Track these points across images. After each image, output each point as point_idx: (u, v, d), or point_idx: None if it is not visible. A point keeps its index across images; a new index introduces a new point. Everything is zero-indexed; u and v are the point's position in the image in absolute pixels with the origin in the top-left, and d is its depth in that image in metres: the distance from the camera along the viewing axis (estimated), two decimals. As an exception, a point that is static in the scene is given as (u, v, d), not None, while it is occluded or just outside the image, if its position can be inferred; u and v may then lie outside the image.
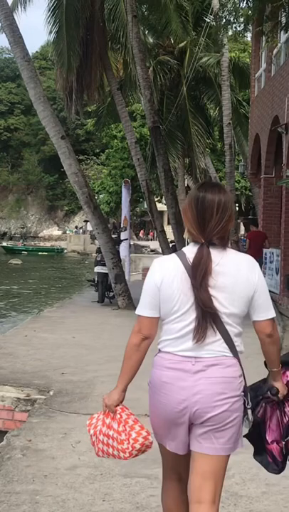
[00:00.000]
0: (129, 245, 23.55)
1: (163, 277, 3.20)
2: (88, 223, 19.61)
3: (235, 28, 14.11)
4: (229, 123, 23.83)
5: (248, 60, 30.79)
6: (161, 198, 35.87)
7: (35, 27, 38.40)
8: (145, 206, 41.71)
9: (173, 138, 25.98)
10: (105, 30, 21.37)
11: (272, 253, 18.27)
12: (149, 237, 69.13)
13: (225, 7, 14.07)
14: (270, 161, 19.76)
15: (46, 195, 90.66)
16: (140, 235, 73.86)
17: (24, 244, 74.37)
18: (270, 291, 12.24)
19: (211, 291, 3.12)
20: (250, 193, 38.14)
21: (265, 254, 18.77)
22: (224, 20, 14.01)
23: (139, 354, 3.27)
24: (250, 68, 24.61)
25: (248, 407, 3.27)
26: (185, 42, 25.47)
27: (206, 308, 3.11)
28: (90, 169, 66.13)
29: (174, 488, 3.41)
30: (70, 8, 19.88)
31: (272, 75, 19.31)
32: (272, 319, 3.30)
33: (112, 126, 42.94)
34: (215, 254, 3.18)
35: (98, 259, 16.26)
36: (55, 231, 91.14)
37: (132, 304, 15.09)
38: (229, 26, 14.83)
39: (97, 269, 16.14)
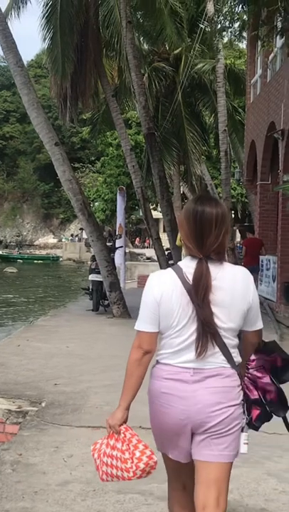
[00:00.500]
0: (125, 253, 23.39)
1: (162, 292, 3.20)
2: (84, 231, 19.47)
3: (231, 32, 13.96)
4: (225, 130, 23.72)
5: (243, 67, 30.72)
6: (157, 205, 35.75)
7: (30, 35, 38.43)
8: (140, 214, 41.58)
9: (168, 145, 25.84)
10: (100, 37, 21.27)
11: (269, 260, 18.13)
12: (146, 244, 68.96)
13: (220, 12, 13.96)
14: (266, 168, 19.64)
15: (42, 204, 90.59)
16: (136, 242, 73.72)
17: (20, 253, 74.33)
18: (267, 299, 12.09)
19: (211, 306, 3.15)
20: (246, 200, 38.04)
21: (262, 261, 18.62)
22: (219, 26, 13.88)
23: (141, 369, 3.25)
24: (245, 75, 24.51)
25: (245, 417, 3.31)
26: (180, 48, 25.36)
27: (208, 324, 3.13)
28: (85, 177, 66.07)
29: (179, 498, 3.42)
30: (65, 14, 19.78)
31: (268, 81, 19.20)
32: (260, 330, 3.37)
33: (108, 133, 42.87)
34: (212, 268, 3.18)
35: (93, 267, 16.09)
36: (51, 239, 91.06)
37: (126, 313, 14.91)
38: (224, 32, 14.74)
39: (92, 277, 15.96)
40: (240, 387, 3.26)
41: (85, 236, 58.95)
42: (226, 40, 21.28)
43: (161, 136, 24.71)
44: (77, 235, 79.99)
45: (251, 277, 3.30)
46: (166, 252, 19.51)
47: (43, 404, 7.38)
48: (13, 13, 21.93)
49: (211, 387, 3.16)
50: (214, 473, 3.21)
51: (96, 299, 15.97)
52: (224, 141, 23.74)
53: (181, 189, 33.64)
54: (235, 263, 9.47)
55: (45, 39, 21.14)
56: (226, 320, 3.17)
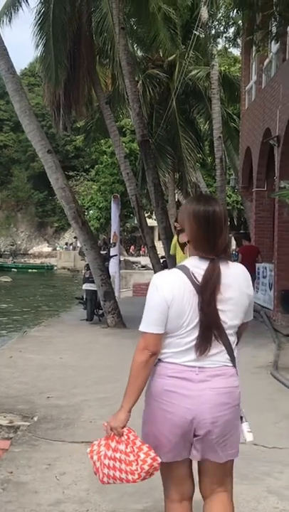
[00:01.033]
0: (120, 261, 23.18)
1: (173, 292, 3.17)
2: (78, 239, 19.31)
3: (226, 38, 13.81)
4: (220, 136, 23.64)
5: (237, 73, 30.66)
6: (152, 213, 35.62)
7: (24, 43, 38.31)
8: (135, 221, 41.47)
9: (163, 152, 25.76)
10: (93, 44, 21.19)
11: (266, 268, 17.95)
12: (141, 252, 68.80)
13: (214, 17, 13.82)
14: (262, 174, 19.49)
15: (36, 212, 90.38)
16: (131, 250, 73.54)
17: (14, 262, 74.12)
18: (263, 307, 11.84)
19: (219, 306, 3.18)
20: (241, 207, 37.95)
21: (258, 268, 18.45)
22: (213, 31, 13.73)
23: (147, 371, 3.22)
24: (240, 81, 24.40)
25: (244, 421, 3.40)
26: (174, 55, 25.28)
27: (214, 323, 3.17)
28: (79, 185, 66.00)
29: (176, 510, 3.41)
30: (57, 21, 19.69)
31: (263, 87, 19.07)
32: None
33: (102, 141, 42.82)
34: (222, 268, 3.22)
35: (86, 276, 15.87)
36: (45, 248, 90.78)
37: (121, 322, 14.70)
38: (219, 37, 14.61)
39: (86, 286, 15.74)
40: (239, 386, 3.33)
41: (79, 244, 58.84)
42: (220, 47, 21.23)
43: (156, 143, 24.63)
44: (71, 244, 79.77)
45: (249, 274, 3.37)
46: (161, 260, 19.34)
47: (35, 419, 7.13)
48: (4, 20, 21.82)
49: (218, 388, 3.19)
50: (220, 471, 3.32)
51: (90, 308, 15.75)
52: (219, 148, 23.64)
53: (176, 197, 33.53)
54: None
55: (37, 46, 21.09)
56: (233, 317, 3.23)
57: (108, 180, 52.79)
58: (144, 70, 26.47)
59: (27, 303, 31.82)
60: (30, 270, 66.17)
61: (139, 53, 27.18)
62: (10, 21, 21.84)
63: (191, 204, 3.30)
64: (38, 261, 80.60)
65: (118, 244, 20.02)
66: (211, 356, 3.19)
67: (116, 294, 17.54)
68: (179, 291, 3.16)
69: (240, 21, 12.83)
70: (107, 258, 16.36)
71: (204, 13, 19.87)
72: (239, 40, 16.19)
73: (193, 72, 26.13)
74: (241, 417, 3.36)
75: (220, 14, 13.03)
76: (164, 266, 21.35)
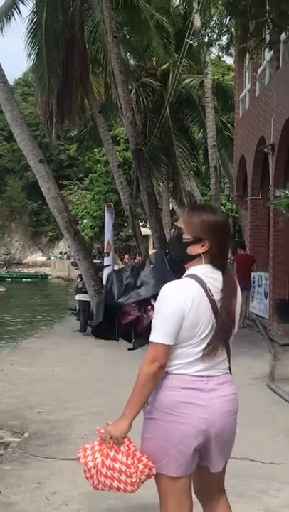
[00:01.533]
0: (114, 270, 22.95)
1: (190, 302, 3.14)
2: (72, 249, 19.15)
3: (219, 45, 13.69)
4: (214, 145, 23.55)
5: (231, 82, 30.64)
6: (146, 222, 35.51)
7: (17, 53, 38.24)
8: (130, 230, 41.31)
9: (156, 161, 25.67)
10: (86, 53, 21.14)
11: (261, 277, 17.82)
12: (135, 261, 68.55)
13: (207, 25, 13.72)
14: (257, 183, 19.37)
15: (30, 222, 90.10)
16: (125, 259, 73.31)
17: (8, 271, 73.75)
18: (259, 316, 11.71)
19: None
20: (236, 215, 37.85)
21: (253, 277, 18.31)
22: (206, 38, 13.62)
23: (154, 383, 3.15)
24: (233, 90, 24.33)
25: None
26: (167, 64, 25.20)
27: (229, 332, 3.25)
28: (73, 194, 65.82)
29: None
30: (50, 29, 19.63)
31: (257, 95, 18.99)
32: None
33: (95, 150, 42.75)
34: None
35: (79, 286, 15.72)
36: (40, 257, 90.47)
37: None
38: (212, 46, 14.50)
39: (79, 297, 15.58)
40: None
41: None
42: (213, 56, 21.14)
43: (150, 152, 24.54)
44: (65, 253, 79.49)
45: None
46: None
47: (26, 435, 6.96)
48: (-4, 29, 21.72)
49: (224, 395, 3.22)
50: (220, 474, 3.37)
51: (83, 319, 15.57)
52: (213, 157, 23.55)
53: (171, 205, 33.46)
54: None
55: (30, 55, 21.01)
56: (236, 325, 3.32)
57: (102, 189, 52.67)
58: (137, 78, 26.41)
59: (20, 313, 31.57)
60: (24, 280, 65.78)
61: (133, 62, 27.13)
62: (1, 30, 21.75)
63: (207, 215, 3.27)
64: (32, 270, 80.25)
65: (112, 253, 19.81)
66: (217, 365, 3.22)
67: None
68: (194, 301, 3.13)
69: (233, 29, 12.70)
70: (100, 268, 16.20)
71: (197, 21, 19.80)
72: (232, 48, 16.11)
73: (186, 81, 26.10)
74: None
75: (212, 22, 12.88)
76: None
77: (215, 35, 13.08)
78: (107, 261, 18.23)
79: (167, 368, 3.16)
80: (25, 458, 6.23)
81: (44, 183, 14.51)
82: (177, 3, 24.95)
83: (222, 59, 38.67)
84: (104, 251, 19.66)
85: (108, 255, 18.97)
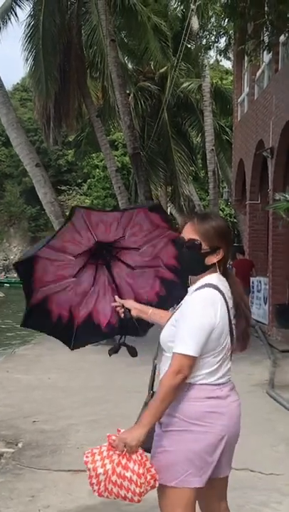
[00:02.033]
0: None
1: (219, 314, 3.17)
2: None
3: (217, 47, 13.55)
4: (212, 149, 23.47)
5: (229, 86, 30.57)
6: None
7: (16, 58, 38.23)
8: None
9: (155, 165, 25.54)
10: (83, 57, 21.08)
11: (260, 282, 17.66)
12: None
13: (205, 27, 13.58)
14: (255, 187, 19.25)
15: (29, 227, 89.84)
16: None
17: (7, 277, 73.56)
18: (258, 322, 11.55)
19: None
20: (234, 220, 37.74)
21: (253, 282, 18.16)
22: (204, 41, 13.48)
23: (175, 395, 3.12)
24: (231, 93, 24.23)
25: None
26: (165, 67, 25.10)
27: (247, 338, 3.32)
28: (72, 200, 65.66)
29: None
30: (47, 33, 19.54)
31: (256, 99, 18.87)
32: None
33: (94, 155, 42.64)
34: None
35: (77, 291, 15.50)
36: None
37: (113, 339, 14.32)
38: (210, 49, 14.37)
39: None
40: None
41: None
42: (212, 61, 21.01)
43: (148, 156, 24.42)
44: (65, 258, 79.43)
45: None
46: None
47: (20, 445, 6.78)
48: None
49: (235, 401, 3.26)
50: (225, 482, 3.39)
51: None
52: (212, 161, 23.45)
53: (169, 210, 33.30)
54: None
55: (27, 59, 20.90)
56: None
57: (101, 195, 52.57)
58: (135, 82, 26.33)
59: (19, 319, 31.38)
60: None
61: (131, 66, 27.06)
62: (-1, 34, 21.65)
63: (217, 223, 3.30)
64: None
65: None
66: (227, 371, 3.27)
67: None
68: (221, 311, 3.16)
69: (231, 30, 12.55)
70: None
71: (195, 23, 19.70)
72: (231, 51, 15.97)
73: (184, 85, 26.03)
74: None
75: (210, 24, 12.74)
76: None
77: (213, 38, 12.93)
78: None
79: (191, 379, 3.15)
80: (19, 469, 6.06)
81: (41, 188, 14.36)
82: (175, 5, 24.87)
83: (220, 63, 38.65)
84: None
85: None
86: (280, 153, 15.83)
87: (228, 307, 3.20)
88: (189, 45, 23.64)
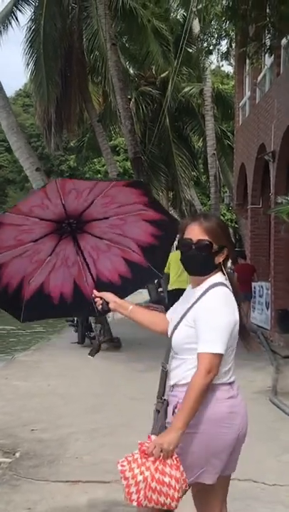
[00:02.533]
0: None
1: (236, 312, 3.23)
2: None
3: (218, 50, 13.43)
4: (214, 153, 23.39)
5: (230, 91, 30.53)
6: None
7: (19, 64, 38.27)
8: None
9: (156, 170, 25.47)
10: (84, 62, 21.07)
11: (262, 286, 17.53)
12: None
13: (206, 30, 13.48)
14: (257, 191, 19.14)
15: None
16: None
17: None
18: (260, 327, 11.41)
19: None
20: (236, 225, 37.66)
21: (254, 287, 18.01)
22: (205, 44, 13.38)
23: (205, 395, 3.11)
24: (233, 98, 24.15)
25: None
26: (167, 72, 25.03)
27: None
28: (74, 205, 65.79)
29: None
30: (48, 38, 19.50)
31: (257, 102, 18.78)
32: None
33: (95, 160, 42.60)
34: None
35: (78, 297, 15.35)
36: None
37: (114, 346, 14.17)
38: (211, 53, 14.26)
39: (77, 308, 15.20)
40: None
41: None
42: (213, 66, 20.93)
43: (149, 160, 24.36)
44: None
45: None
46: (155, 280, 18.88)
47: (17, 455, 6.61)
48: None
49: (243, 399, 3.30)
50: (227, 482, 3.38)
51: (81, 331, 15.19)
52: (213, 165, 23.37)
53: (171, 215, 33.19)
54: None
55: (28, 64, 20.85)
56: None
57: (102, 199, 52.43)
58: (136, 87, 26.28)
59: (21, 324, 31.24)
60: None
61: (132, 71, 27.01)
62: (-1, 38, 21.58)
63: (219, 221, 3.36)
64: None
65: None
66: (234, 370, 3.30)
67: (109, 316, 17.02)
68: (235, 310, 3.22)
69: (232, 32, 12.43)
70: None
71: (196, 27, 19.61)
72: (232, 55, 15.88)
73: (186, 89, 25.98)
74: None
75: (211, 26, 12.62)
76: (158, 285, 20.85)
77: (214, 40, 12.81)
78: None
79: (215, 380, 3.16)
80: (16, 480, 5.91)
81: (41, 193, 14.23)
82: (176, 8, 24.76)
83: (221, 68, 38.64)
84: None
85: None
86: (282, 156, 15.73)
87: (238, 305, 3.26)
88: (190, 50, 23.55)
